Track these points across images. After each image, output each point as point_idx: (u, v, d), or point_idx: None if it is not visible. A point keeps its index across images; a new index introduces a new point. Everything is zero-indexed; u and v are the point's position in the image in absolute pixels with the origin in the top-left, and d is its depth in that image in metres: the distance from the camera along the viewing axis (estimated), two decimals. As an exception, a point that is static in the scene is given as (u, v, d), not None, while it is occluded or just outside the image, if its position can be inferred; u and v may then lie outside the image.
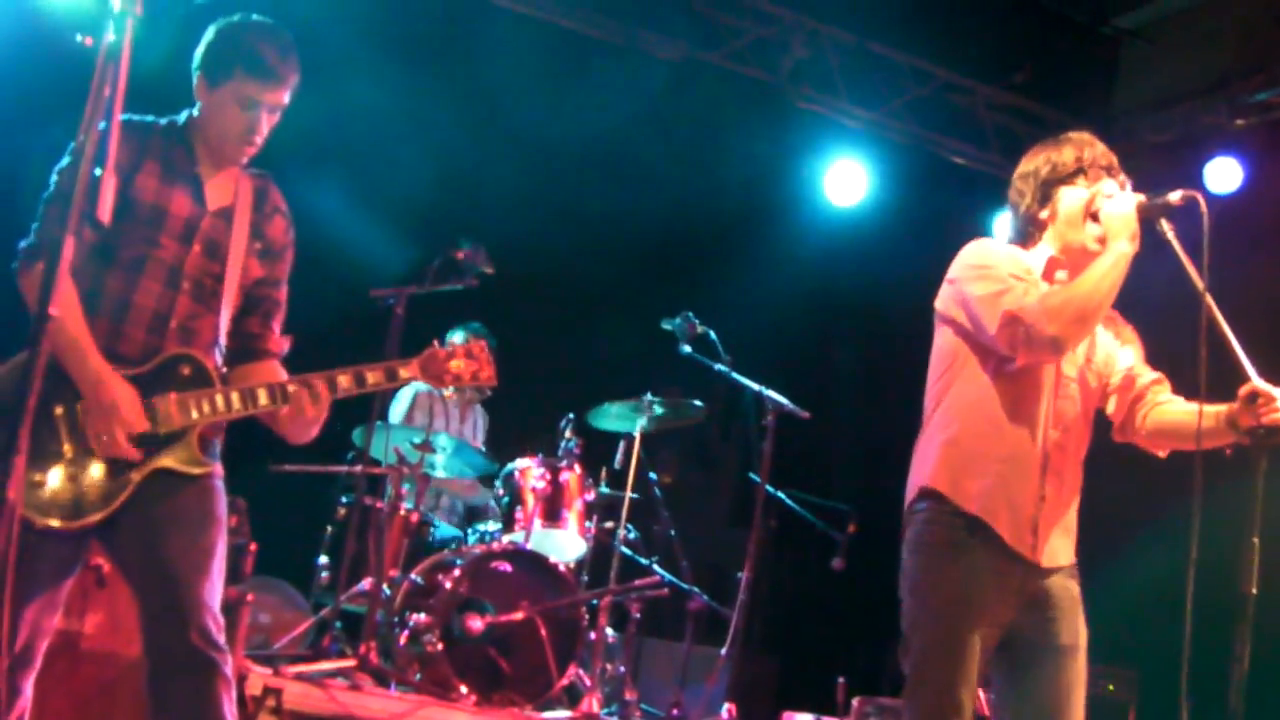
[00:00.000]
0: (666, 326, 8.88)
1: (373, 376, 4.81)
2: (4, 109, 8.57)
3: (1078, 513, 4.91)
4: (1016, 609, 4.72)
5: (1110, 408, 4.99)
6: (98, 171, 3.19)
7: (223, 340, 4.80)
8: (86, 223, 4.51)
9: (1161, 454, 4.95)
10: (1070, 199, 4.86)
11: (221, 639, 4.54)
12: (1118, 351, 5.00)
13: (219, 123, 4.75)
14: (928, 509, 4.79)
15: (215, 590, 4.59)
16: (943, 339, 4.98)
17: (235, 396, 4.65)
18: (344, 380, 4.76)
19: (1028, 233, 4.99)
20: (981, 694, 7.09)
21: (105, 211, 3.27)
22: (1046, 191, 4.91)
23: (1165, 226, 4.62)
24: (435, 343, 5.00)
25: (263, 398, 4.66)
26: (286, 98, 4.79)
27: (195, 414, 4.61)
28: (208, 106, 4.77)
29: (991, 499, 4.68)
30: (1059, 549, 4.79)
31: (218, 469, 4.74)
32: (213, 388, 4.65)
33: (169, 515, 4.57)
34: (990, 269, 4.81)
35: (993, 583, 4.68)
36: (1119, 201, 4.70)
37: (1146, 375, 4.98)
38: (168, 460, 4.58)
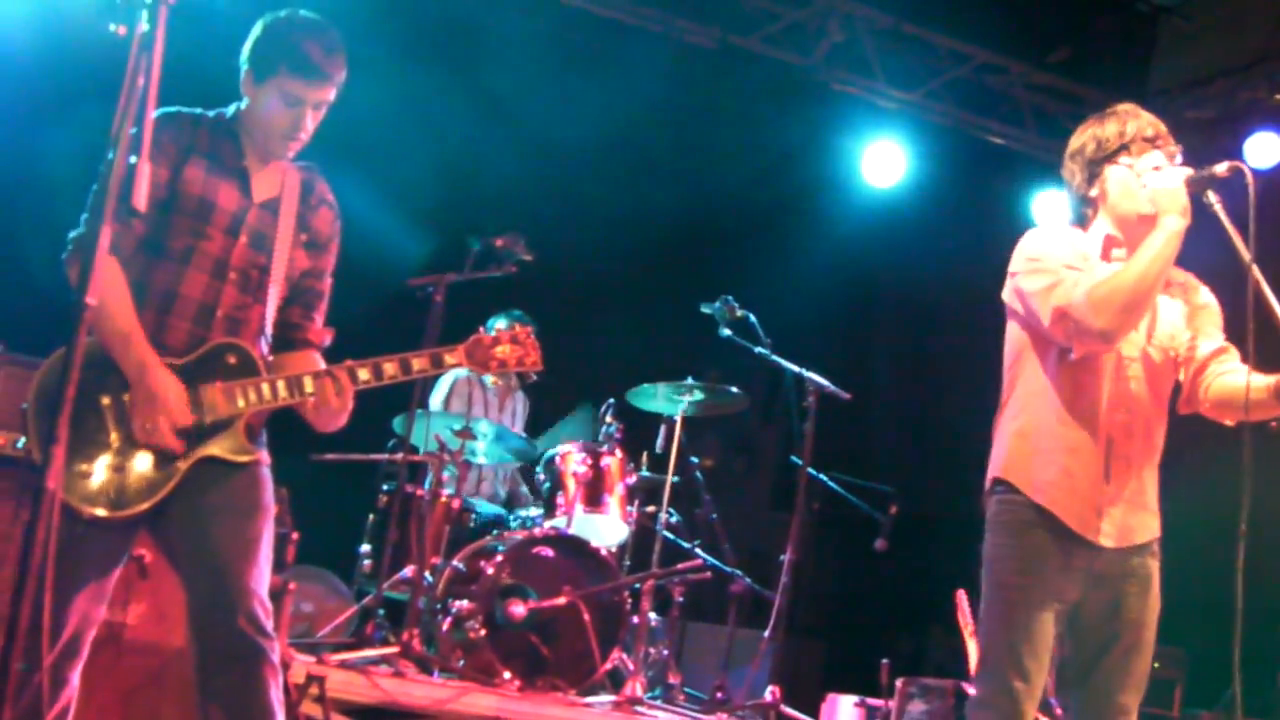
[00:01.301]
0: (706, 310, 8.86)
1: (419, 363, 4.80)
2: (38, 100, 8.58)
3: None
4: (1082, 587, 4.77)
5: (1180, 377, 4.98)
6: (133, 159, 3.19)
7: (269, 330, 4.80)
8: (136, 214, 4.55)
9: (1228, 422, 4.92)
10: (1116, 176, 4.85)
11: (270, 626, 4.54)
12: (1183, 322, 4.98)
13: (264, 118, 4.75)
14: (1000, 495, 4.88)
15: (263, 577, 4.59)
16: (1010, 329, 5.05)
17: (281, 385, 4.65)
18: (390, 367, 4.75)
19: (1082, 213, 5.00)
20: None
21: (141, 199, 3.26)
22: (1094, 170, 4.91)
23: (1212, 199, 4.59)
24: (480, 329, 4.99)
25: (309, 386, 4.65)
26: (332, 95, 4.78)
27: (241, 402, 4.61)
28: (254, 101, 4.77)
29: (1057, 489, 4.75)
30: (1132, 527, 4.81)
31: (264, 457, 4.75)
32: (259, 376, 4.65)
33: (216, 504, 4.57)
34: (1041, 261, 4.83)
35: (1058, 563, 4.73)
36: (1166, 176, 4.68)
37: (1210, 345, 4.95)
38: (214, 449, 4.58)
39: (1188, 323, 4.97)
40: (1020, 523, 4.78)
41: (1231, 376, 4.86)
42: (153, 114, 3.24)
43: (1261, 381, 4.59)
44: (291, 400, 4.65)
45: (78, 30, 8.20)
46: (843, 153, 11.86)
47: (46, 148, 7.86)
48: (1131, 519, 4.80)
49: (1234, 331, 4.75)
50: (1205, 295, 5.06)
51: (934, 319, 12.18)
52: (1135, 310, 4.62)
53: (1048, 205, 11.10)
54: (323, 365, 4.83)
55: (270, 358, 4.79)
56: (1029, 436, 4.86)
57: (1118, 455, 4.79)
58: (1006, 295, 4.98)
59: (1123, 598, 4.78)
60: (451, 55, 10.27)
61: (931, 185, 11.89)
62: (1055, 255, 4.81)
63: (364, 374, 4.70)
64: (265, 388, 4.64)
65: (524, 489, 9.68)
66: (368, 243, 8.41)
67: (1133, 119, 4.88)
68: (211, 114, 4.84)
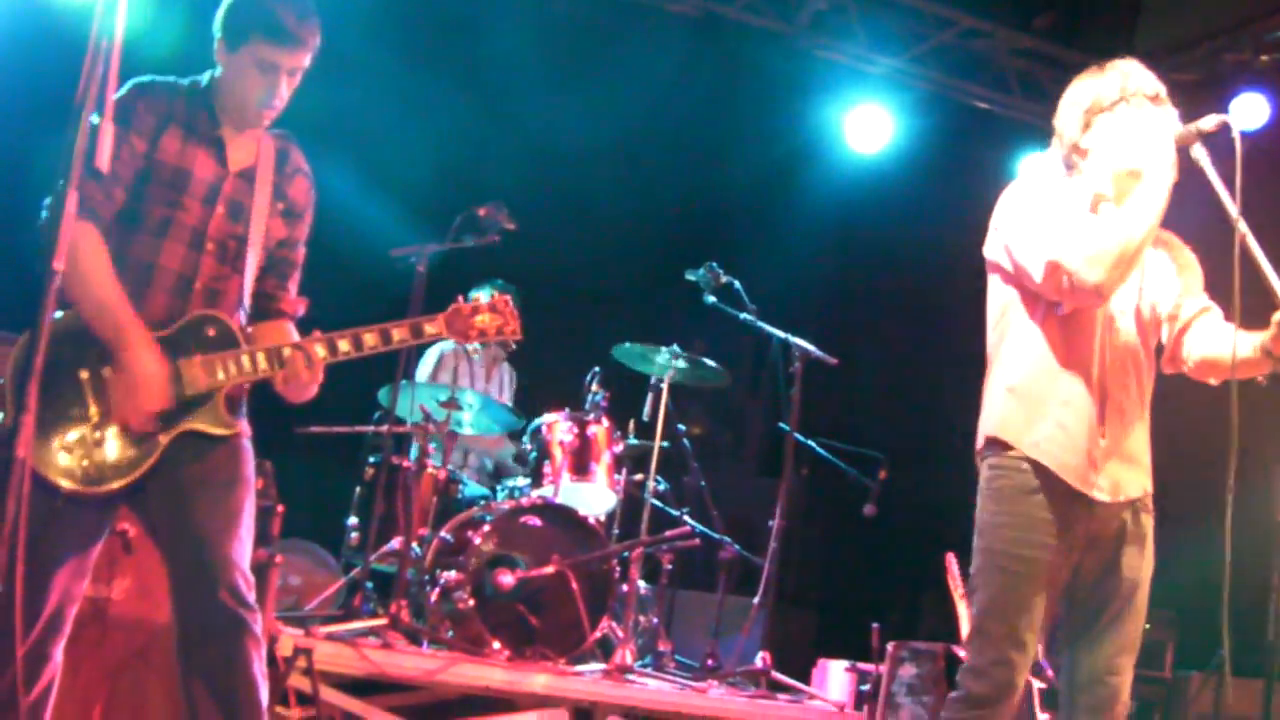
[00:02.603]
0: (691, 278, 8.83)
1: (399, 333, 4.78)
2: (17, 80, 8.53)
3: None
4: (1080, 548, 4.77)
5: (1163, 336, 4.97)
6: (95, 120, 3.16)
7: (247, 301, 4.78)
8: (118, 184, 4.52)
9: (1211, 381, 4.91)
10: (1110, 128, 4.82)
11: (252, 597, 4.54)
12: (1171, 279, 4.96)
13: (239, 86, 4.72)
14: (994, 458, 4.85)
15: (245, 549, 4.58)
16: (994, 285, 5.01)
17: (261, 357, 4.63)
18: (370, 338, 4.74)
19: (1071, 161, 4.96)
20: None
21: (104, 160, 3.23)
22: (1088, 120, 4.88)
23: (1200, 153, 4.56)
24: (460, 298, 4.96)
25: (289, 355, 4.63)
26: (307, 60, 4.75)
27: (221, 375, 4.60)
28: (227, 70, 4.74)
29: (1053, 443, 4.73)
30: (1125, 481, 4.80)
31: (245, 428, 4.74)
32: (238, 349, 4.64)
33: (197, 477, 4.57)
34: (1030, 214, 4.79)
35: (1055, 524, 4.70)
36: (1157, 130, 4.65)
37: (1194, 304, 4.95)
38: (195, 422, 4.57)
39: (1174, 281, 4.96)
40: (1015, 489, 4.75)
41: (1217, 336, 4.85)
42: (116, 81, 3.20)
43: (1248, 339, 4.58)
44: (272, 373, 4.63)
45: (54, 5, 8.17)
46: (827, 119, 11.84)
47: (25, 124, 7.80)
48: (1123, 472, 4.79)
49: (1218, 289, 4.72)
50: (1188, 255, 5.06)
51: (920, 283, 12.14)
52: (1128, 264, 4.60)
53: (1031, 164, 11.11)
54: (296, 335, 4.81)
55: (248, 329, 4.75)
56: (1020, 392, 4.83)
57: (1112, 408, 4.77)
58: (990, 250, 4.95)
59: (1119, 558, 4.78)
60: (431, 26, 10.23)
61: (917, 151, 11.88)
62: (1046, 208, 4.78)
63: (344, 345, 4.69)
64: (245, 360, 4.62)
65: (510, 460, 9.64)
66: (352, 216, 8.42)
67: (1134, 74, 4.86)
68: (186, 82, 4.81)
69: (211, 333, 4.63)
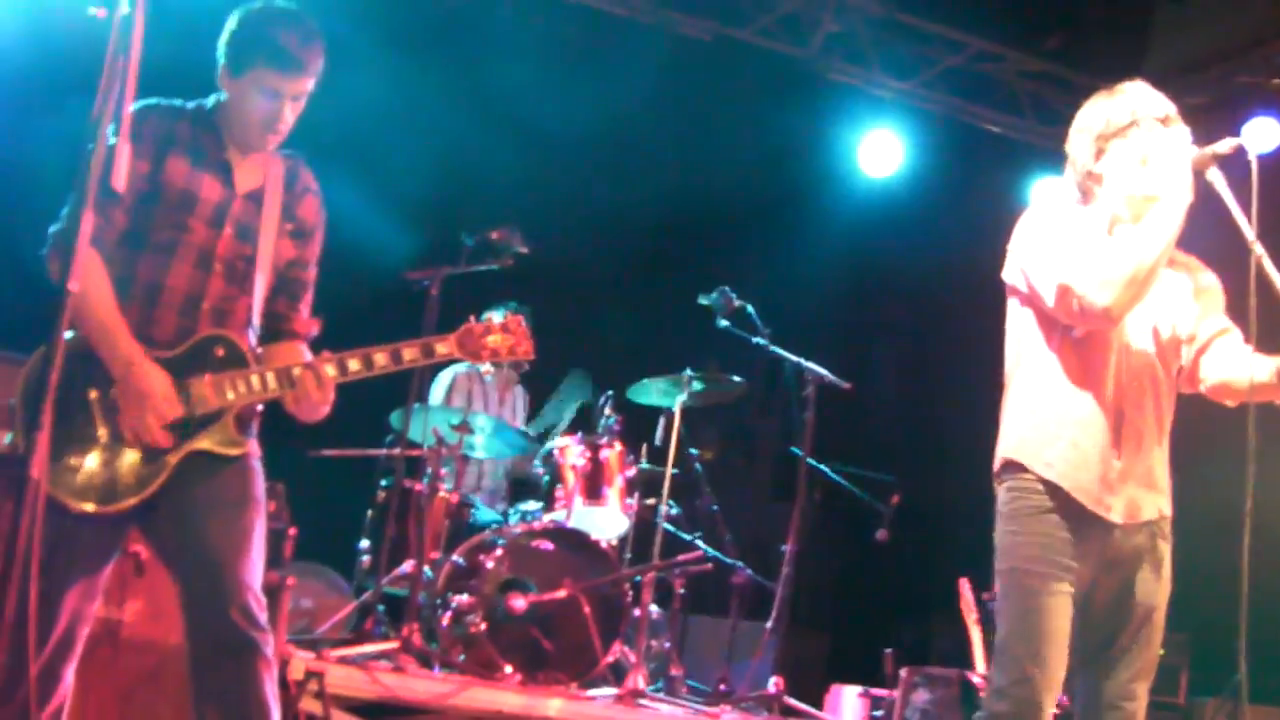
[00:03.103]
0: (704, 301, 8.83)
1: (410, 353, 4.77)
2: (21, 92, 8.53)
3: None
4: (1095, 569, 4.74)
5: (1182, 358, 4.95)
6: (112, 140, 3.16)
7: (256, 321, 4.77)
8: (118, 206, 4.52)
9: (1228, 403, 4.90)
10: (1124, 152, 4.81)
11: (264, 618, 4.52)
12: (1190, 301, 4.95)
13: (243, 111, 4.73)
14: (1011, 479, 4.84)
15: (256, 570, 4.57)
16: (1012, 309, 5.01)
17: (271, 377, 4.62)
18: (380, 358, 4.73)
19: (1085, 187, 4.95)
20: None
21: (120, 180, 3.23)
22: (1101, 146, 4.87)
23: (1215, 176, 4.54)
24: (472, 318, 4.95)
25: (299, 375, 4.62)
26: (310, 85, 4.75)
27: (231, 395, 4.58)
28: (232, 95, 4.75)
29: (1068, 464, 4.71)
30: (1142, 504, 4.78)
31: (255, 449, 4.72)
32: (248, 368, 4.63)
33: (207, 497, 4.55)
34: (1046, 237, 4.79)
35: (1072, 548, 4.69)
36: (1172, 154, 4.64)
37: (1212, 325, 4.94)
38: (204, 442, 4.56)
39: (1192, 302, 4.95)
40: (1032, 508, 4.74)
41: (1234, 358, 4.84)
42: (132, 101, 3.20)
43: (1266, 363, 4.57)
44: (281, 392, 4.62)
45: (60, 19, 8.15)
46: (839, 143, 11.86)
47: (31, 140, 7.81)
48: (1140, 495, 4.77)
49: (1235, 312, 4.71)
50: (1209, 277, 5.04)
51: (932, 307, 12.15)
52: (1140, 287, 4.58)
53: (1045, 189, 11.13)
54: (309, 356, 4.79)
55: (258, 349, 4.75)
56: (1035, 413, 4.82)
57: (1128, 430, 4.76)
58: (1008, 273, 4.94)
59: (1135, 581, 4.76)
60: (446, 50, 10.27)
61: (928, 174, 11.89)
62: (1059, 232, 4.77)
63: (354, 364, 4.68)
64: (255, 379, 4.61)
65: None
66: (364, 237, 8.42)
67: (1144, 97, 4.86)
68: (191, 106, 4.82)
69: (220, 353, 4.62)
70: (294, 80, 4.68)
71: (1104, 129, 4.87)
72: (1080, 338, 4.75)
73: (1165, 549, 4.82)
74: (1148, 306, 4.79)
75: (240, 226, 4.73)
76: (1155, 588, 4.78)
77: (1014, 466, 4.82)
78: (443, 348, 4.85)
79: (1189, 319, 4.93)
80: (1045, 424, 4.78)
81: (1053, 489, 4.71)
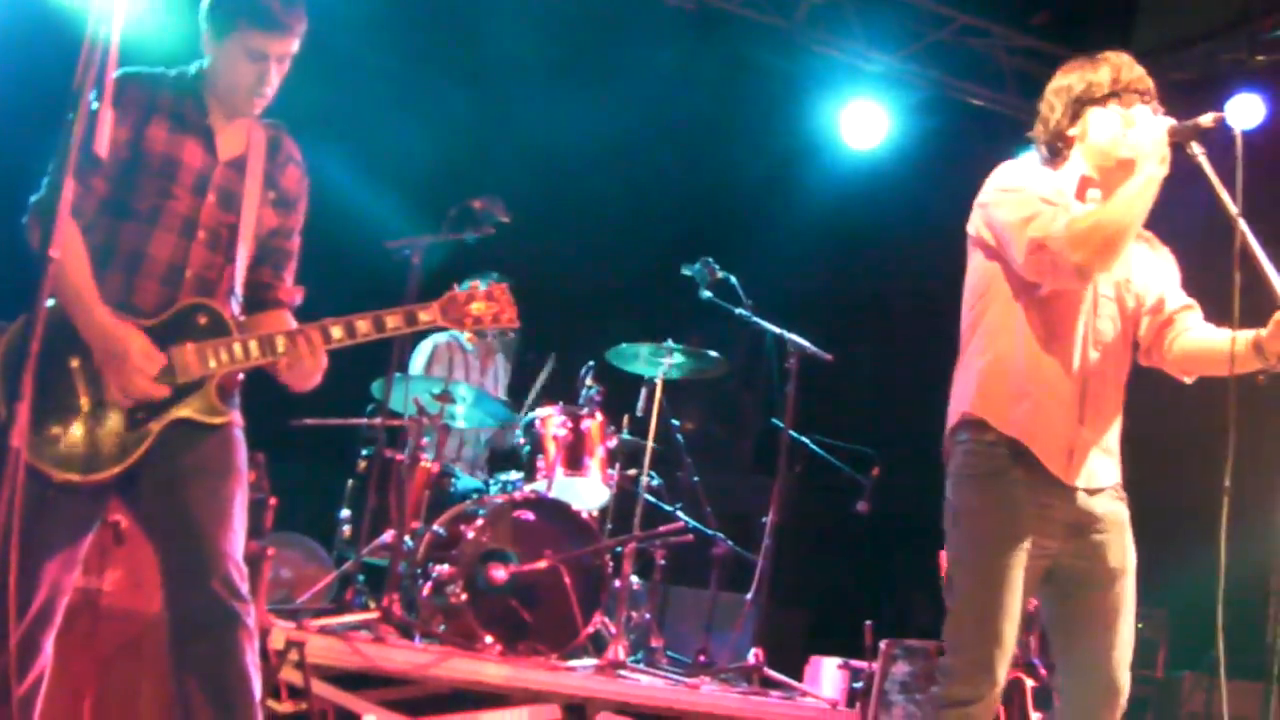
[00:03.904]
0: (687, 272, 8.81)
1: (393, 320, 4.77)
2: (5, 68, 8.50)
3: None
4: (1060, 537, 4.72)
5: (1141, 330, 4.93)
6: (95, 106, 3.15)
7: (239, 290, 4.76)
8: (98, 174, 4.50)
9: (1188, 379, 4.90)
10: (1102, 120, 4.80)
11: (245, 589, 4.52)
12: (1154, 274, 4.94)
13: (228, 76, 4.72)
14: (969, 439, 4.78)
15: (237, 540, 4.57)
16: (975, 263, 4.95)
17: (254, 344, 4.62)
18: (363, 325, 4.72)
19: (1056, 148, 4.93)
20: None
21: (103, 146, 3.22)
22: (1078, 110, 4.86)
23: (1196, 149, 4.53)
24: (455, 286, 4.94)
25: (281, 345, 4.62)
26: (294, 46, 4.74)
27: (213, 363, 4.58)
28: (216, 60, 4.74)
29: (1030, 423, 4.68)
30: (1099, 470, 4.77)
31: (237, 418, 4.72)
32: (230, 336, 4.62)
33: (189, 466, 4.55)
34: (1018, 192, 4.76)
35: (1034, 512, 4.67)
36: (1150, 125, 4.63)
37: (1177, 300, 4.94)
38: (186, 410, 4.56)
39: (1153, 275, 4.94)
40: (991, 472, 4.70)
41: (1198, 332, 4.85)
42: (114, 68, 3.19)
43: (1242, 335, 4.56)
44: (264, 360, 4.62)
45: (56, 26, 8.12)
46: (824, 116, 11.83)
47: (13, 114, 7.78)
48: (1098, 462, 4.77)
49: (1215, 288, 4.70)
50: (1168, 255, 5.05)
51: (914, 280, 12.12)
52: (1112, 248, 4.56)
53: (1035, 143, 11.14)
54: (294, 324, 4.79)
55: (242, 318, 4.74)
56: (998, 369, 4.77)
57: (1092, 398, 4.75)
58: (972, 227, 4.91)
59: (1101, 545, 4.74)
60: (426, 17, 10.22)
61: (912, 148, 11.88)
62: (1032, 188, 4.75)
63: (337, 331, 4.67)
64: (237, 348, 4.60)
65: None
66: (347, 208, 8.40)
67: (1127, 68, 4.85)
68: (173, 73, 4.80)
69: (203, 321, 4.62)
70: (279, 40, 4.67)
71: (1084, 93, 4.86)
72: (1046, 297, 4.71)
73: (1124, 512, 4.81)
74: (1115, 276, 4.79)
75: (223, 193, 4.73)
76: (1123, 551, 4.77)
77: (973, 424, 4.77)
78: (426, 315, 4.84)
79: (1153, 291, 4.92)
80: (1010, 381, 4.74)
81: (1015, 448, 4.68)
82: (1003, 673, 4.66)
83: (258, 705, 4.54)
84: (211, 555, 4.46)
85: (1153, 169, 4.54)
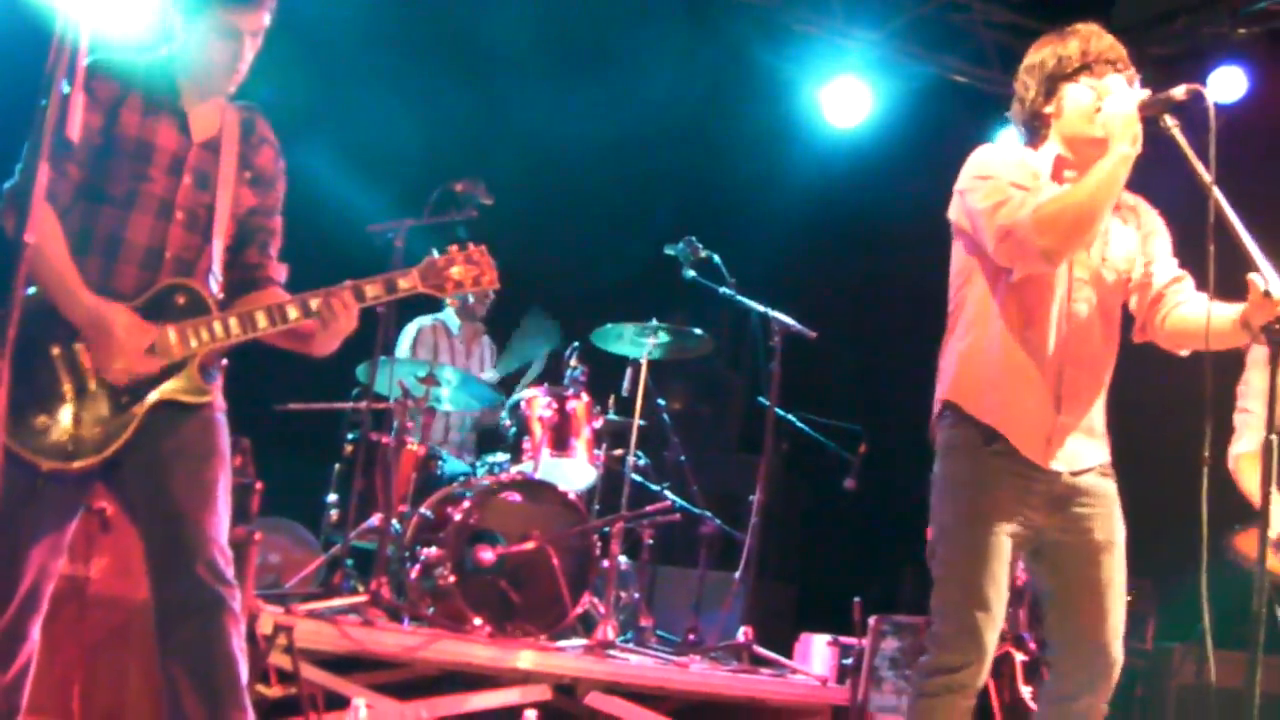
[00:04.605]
0: (670, 252, 8.80)
1: (372, 289, 4.79)
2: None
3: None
4: (1043, 510, 4.75)
5: (1132, 305, 4.95)
6: (66, 90, 3.15)
7: (218, 269, 4.76)
8: (72, 159, 4.50)
9: (1183, 353, 4.89)
10: (1074, 95, 4.80)
11: (230, 573, 4.54)
12: (1139, 245, 4.95)
13: (202, 56, 4.73)
14: (950, 419, 4.85)
15: (222, 525, 4.59)
16: (956, 250, 5.01)
17: (234, 321, 4.64)
18: (345, 295, 4.72)
19: (1034, 128, 4.95)
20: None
21: (74, 130, 3.22)
22: (1051, 86, 4.86)
23: (1170, 122, 4.53)
24: (433, 251, 4.94)
25: (261, 320, 4.65)
26: (266, 20, 4.76)
27: (194, 343, 4.60)
28: (189, 41, 4.73)
29: (1006, 409, 4.72)
30: (1081, 453, 4.80)
31: (220, 402, 4.74)
32: (210, 315, 4.64)
33: (172, 451, 4.57)
34: (990, 179, 4.78)
35: (1016, 484, 4.71)
36: (1121, 100, 4.62)
37: (1165, 273, 4.93)
38: (170, 392, 4.58)
39: (1142, 248, 4.94)
40: (971, 449, 4.75)
41: (1189, 306, 4.84)
42: (85, 54, 3.19)
43: (1223, 310, 4.56)
44: (245, 336, 4.65)
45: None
46: (806, 94, 11.81)
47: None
48: (1080, 444, 4.79)
49: (1190, 259, 4.71)
50: (1157, 220, 5.05)
51: (898, 256, 12.12)
52: (1079, 232, 4.58)
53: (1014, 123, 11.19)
54: (286, 299, 4.80)
55: (221, 296, 4.74)
56: (975, 356, 4.83)
57: (1068, 387, 4.78)
58: (954, 214, 4.94)
59: (1086, 518, 4.76)
60: (410, 5, 10.21)
61: (894, 124, 11.86)
62: (1004, 173, 4.76)
63: (315, 303, 4.67)
64: (217, 326, 4.62)
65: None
66: (331, 192, 8.39)
67: (1096, 38, 4.84)
68: (144, 57, 4.80)
69: (182, 301, 4.63)
70: (251, 15, 4.69)
71: (1056, 69, 4.85)
72: (1020, 282, 4.73)
73: (1111, 487, 4.84)
74: (1093, 253, 4.79)
75: (199, 175, 4.75)
76: (1111, 525, 4.79)
77: (954, 410, 4.83)
78: (405, 282, 4.86)
79: (1138, 265, 4.92)
80: (986, 368, 4.79)
81: (989, 433, 4.73)
82: (990, 640, 4.68)
83: (244, 689, 4.56)
84: (196, 540, 4.47)
85: (1124, 148, 4.54)
